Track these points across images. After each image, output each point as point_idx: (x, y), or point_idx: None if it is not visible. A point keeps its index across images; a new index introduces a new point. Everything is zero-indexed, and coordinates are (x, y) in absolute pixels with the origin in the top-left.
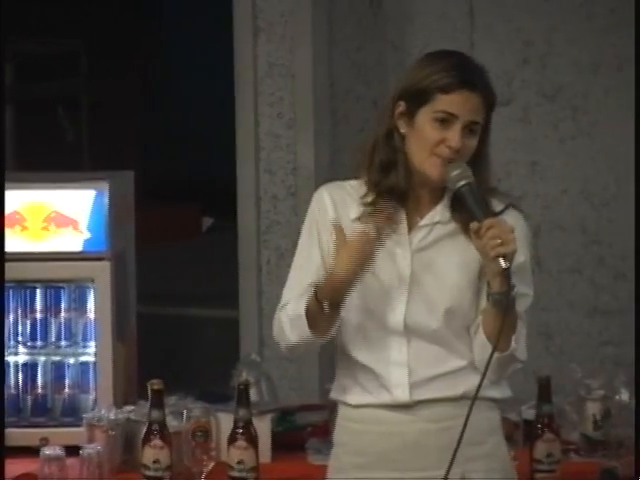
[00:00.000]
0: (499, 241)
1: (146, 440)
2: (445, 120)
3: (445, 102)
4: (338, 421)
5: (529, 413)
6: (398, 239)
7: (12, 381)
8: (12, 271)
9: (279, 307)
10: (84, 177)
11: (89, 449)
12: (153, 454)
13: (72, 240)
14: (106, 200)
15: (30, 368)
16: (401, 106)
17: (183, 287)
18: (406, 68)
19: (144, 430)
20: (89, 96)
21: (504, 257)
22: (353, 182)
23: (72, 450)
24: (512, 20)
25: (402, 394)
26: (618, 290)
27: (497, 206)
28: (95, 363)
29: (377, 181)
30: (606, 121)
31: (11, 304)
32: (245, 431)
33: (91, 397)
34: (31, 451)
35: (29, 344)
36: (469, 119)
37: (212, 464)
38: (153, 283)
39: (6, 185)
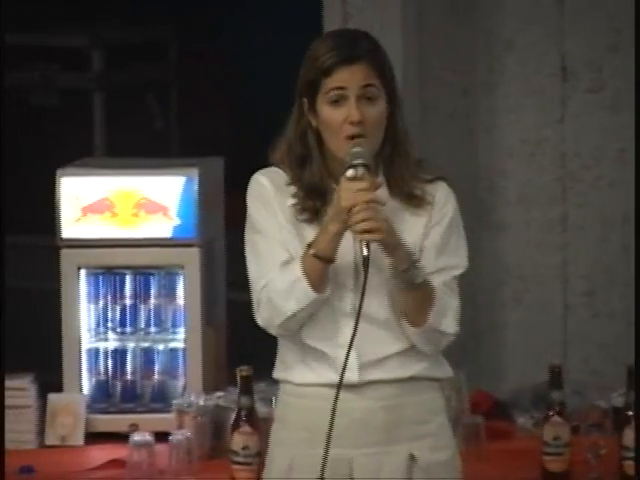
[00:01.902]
0: (366, 225)
1: (235, 426)
2: (338, 99)
3: (330, 83)
4: (280, 396)
5: (619, 400)
6: None
7: (102, 367)
8: (102, 257)
9: (258, 290)
10: (174, 163)
11: (178, 435)
12: (242, 440)
13: (162, 226)
14: (196, 186)
15: (120, 354)
16: (305, 103)
17: None
18: (495, 55)
19: (233, 416)
20: (179, 82)
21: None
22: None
23: (161, 436)
24: (602, 7)
25: (351, 375)
26: None
27: (424, 178)
28: (184, 349)
29: (297, 177)
30: None
31: (101, 290)
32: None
33: (180, 383)
34: (120, 437)
35: (119, 330)
36: (359, 85)
37: None
38: (243, 269)
39: (96, 171)
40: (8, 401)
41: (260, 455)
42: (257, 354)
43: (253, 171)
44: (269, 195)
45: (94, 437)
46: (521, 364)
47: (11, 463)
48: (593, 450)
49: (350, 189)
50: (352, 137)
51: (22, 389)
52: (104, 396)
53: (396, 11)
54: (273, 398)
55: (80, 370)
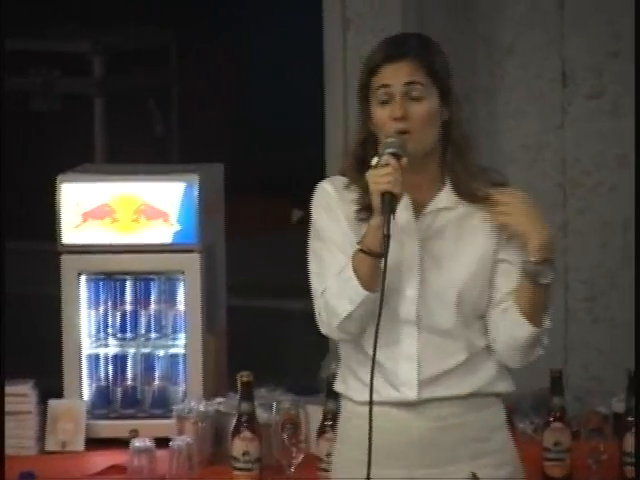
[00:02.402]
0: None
1: (236, 432)
2: (386, 99)
3: (377, 80)
4: (342, 415)
5: (619, 406)
6: (404, 227)
7: (102, 373)
8: (102, 263)
9: (319, 297)
10: (174, 169)
11: (179, 441)
12: (243, 446)
13: (162, 232)
14: (196, 192)
15: (120, 360)
16: (363, 107)
17: (273, 279)
18: (496, 60)
19: (234, 422)
20: (179, 88)
21: (384, 195)
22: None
23: (162, 442)
24: (603, 12)
25: (410, 392)
26: None
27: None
28: (185, 355)
29: (356, 178)
30: None
31: (101, 296)
32: (335, 423)
33: (181, 389)
34: (121, 443)
35: (119, 336)
36: (404, 81)
37: (301, 456)
38: (243, 275)
39: (96, 177)
40: (8, 407)
41: (260, 461)
42: (258, 360)
43: (252, 176)
44: (332, 200)
45: (95, 443)
46: (521, 369)
47: (12, 469)
48: (594, 456)
49: (375, 175)
50: (399, 132)
51: (23, 395)
52: (104, 402)
53: (396, 16)
54: (274, 404)
55: (80, 376)
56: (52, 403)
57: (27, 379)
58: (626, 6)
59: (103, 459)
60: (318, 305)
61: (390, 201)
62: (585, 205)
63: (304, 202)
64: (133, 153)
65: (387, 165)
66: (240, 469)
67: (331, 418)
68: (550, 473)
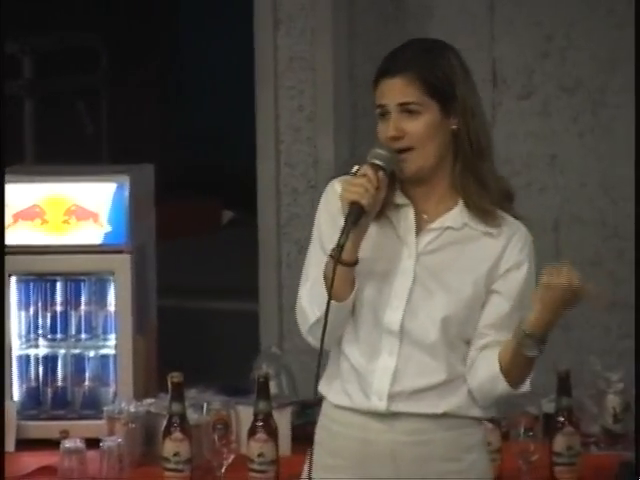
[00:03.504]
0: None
1: (166, 433)
2: (383, 115)
3: (376, 95)
4: (320, 417)
5: (549, 406)
6: (405, 238)
7: (32, 374)
8: (32, 264)
9: (298, 298)
10: (104, 170)
11: (109, 442)
12: (173, 447)
13: (92, 233)
14: (126, 193)
15: (50, 361)
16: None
17: (203, 280)
18: None
19: (164, 423)
20: (108, 90)
21: (352, 205)
22: None
23: (92, 443)
24: (532, 14)
25: (379, 403)
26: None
27: (503, 206)
28: (115, 356)
29: None
30: (625, 115)
31: (31, 297)
32: (265, 424)
33: (111, 390)
34: (51, 444)
35: (49, 337)
36: (396, 102)
37: (232, 457)
38: (173, 276)
39: (27, 178)
40: None
41: (191, 461)
42: (188, 361)
43: (183, 177)
44: (337, 205)
45: (25, 443)
46: None
47: None
48: (524, 456)
49: (348, 183)
50: (399, 151)
51: None
52: (35, 402)
53: (327, 17)
54: (204, 404)
55: (11, 376)
56: None
57: None
58: (555, 8)
59: (33, 460)
60: (297, 305)
61: (355, 212)
62: (515, 205)
63: (235, 203)
64: (63, 154)
65: (364, 175)
66: (171, 470)
67: (262, 419)
68: None
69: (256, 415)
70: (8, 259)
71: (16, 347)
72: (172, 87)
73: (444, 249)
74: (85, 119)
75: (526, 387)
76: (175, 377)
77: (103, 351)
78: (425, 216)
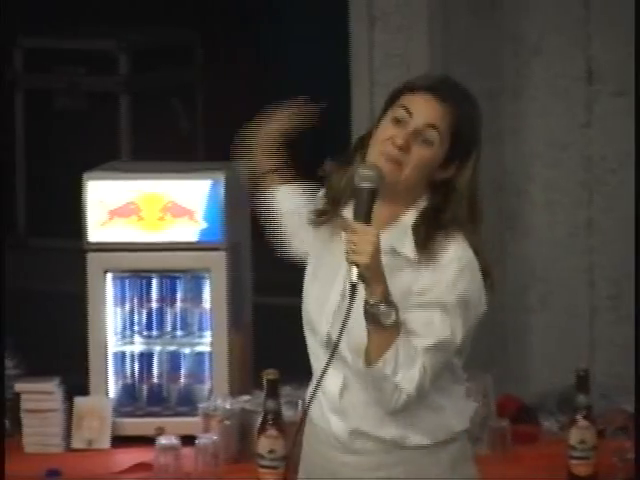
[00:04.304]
0: (354, 247)
1: (261, 430)
2: (400, 120)
3: (407, 99)
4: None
5: None
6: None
7: (128, 371)
8: (128, 261)
9: None
10: (200, 167)
11: (204, 439)
12: (268, 444)
13: (188, 230)
14: (222, 190)
15: (146, 358)
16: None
17: (299, 278)
18: (522, 59)
19: (259, 420)
20: (204, 86)
21: (356, 266)
22: None
23: (187, 440)
24: (629, 11)
25: (338, 429)
26: None
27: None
28: (210, 353)
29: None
30: None
31: (127, 294)
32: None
33: (206, 387)
34: (147, 440)
35: (145, 334)
36: (423, 122)
37: None
38: (269, 273)
39: (122, 175)
40: (35, 405)
41: (286, 458)
42: (283, 358)
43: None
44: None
45: (120, 440)
46: (547, 368)
47: (38, 467)
48: (619, 454)
49: (351, 242)
50: (389, 158)
51: (49, 392)
52: (130, 399)
53: (422, 14)
54: (299, 401)
55: (106, 373)
56: (78, 401)
57: (53, 377)
58: None
59: (129, 457)
60: None
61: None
62: (610, 203)
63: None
64: (159, 151)
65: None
66: (266, 467)
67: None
68: (576, 471)
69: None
70: (104, 256)
71: (112, 344)
72: (267, 84)
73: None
74: (180, 115)
75: (402, 380)
76: (270, 374)
77: (198, 348)
78: (382, 217)
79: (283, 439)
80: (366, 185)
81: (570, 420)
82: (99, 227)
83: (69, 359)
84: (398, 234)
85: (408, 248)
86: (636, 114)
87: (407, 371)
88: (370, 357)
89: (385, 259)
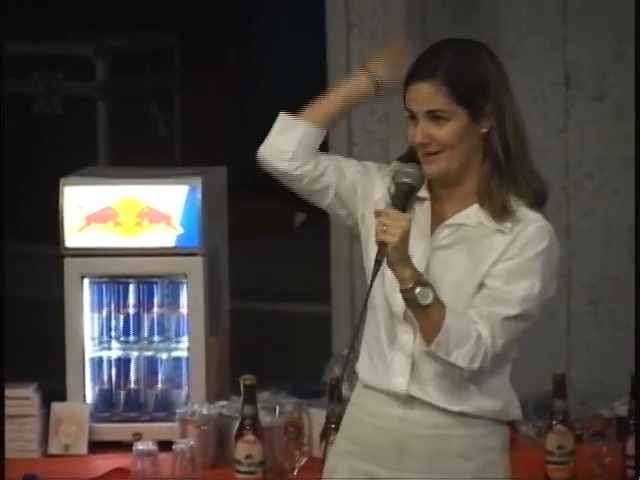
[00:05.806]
0: (384, 228)
1: (239, 435)
2: (412, 119)
3: (406, 96)
4: (348, 405)
5: (622, 409)
6: (422, 232)
7: (105, 376)
8: (105, 266)
9: None
10: (177, 172)
11: (182, 444)
12: (246, 449)
13: (165, 235)
14: (199, 195)
15: (123, 363)
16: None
17: (276, 282)
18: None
19: (237, 425)
20: (182, 91)
21: (385, 245)
22: None
23: (165, 445)
24: (605, 15)
25: (400, 385)
26: None
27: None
28: (188, 358)
29: None
30: None
31: (104, 299)
32: (336, 426)
33: (184, 392)
34: (124, 446)
35: (122, 339)
36: (424, 109)
37: (304, 459)
38: (246, 278)
39: (100, 180)
40: (11, 410)
41: (263, 464)
42: (260, 363)
43: (256, 179)
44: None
45: (98, 446)
46: (524, 373)
47: (15, 472)
48: (597, 459)
49: (381, 224)
50: (425, 158)
51: (25, 398)
52: (108, 405)
53: (399, 20)
54: (277, 407)
55: (84, 379)
56: (55, 406)
57: (30, 382)
58: (629, 9)
59: (106, 462)
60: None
61: (382, 252)
62: (588, 208)
63: (307, 205)
64: (136, 156)
65: (388, 215)
66: (243, 472)
67: (334, 421)
68: (553, 476)
69: (328, 417)
70: (81, 261)
71: (89, 349)
72: (246, 88)
73: (456, 244)
74: (158, 121)
75: (457, 359)
76: (247, 379)
77: (175, 353)
78: (444, 213)
79: (260, 444)
80: (405, 181)
81: (547, 425)
82: (76, 232)
83: (46, 365)
84: (475, 211)
85: (486, 219)
86: (636, 116)
87: (461, 350)
88: (425, 338)
89: (470, 231)
